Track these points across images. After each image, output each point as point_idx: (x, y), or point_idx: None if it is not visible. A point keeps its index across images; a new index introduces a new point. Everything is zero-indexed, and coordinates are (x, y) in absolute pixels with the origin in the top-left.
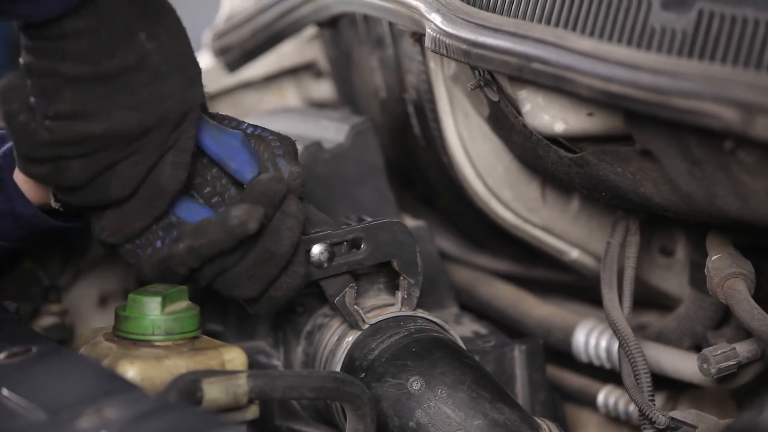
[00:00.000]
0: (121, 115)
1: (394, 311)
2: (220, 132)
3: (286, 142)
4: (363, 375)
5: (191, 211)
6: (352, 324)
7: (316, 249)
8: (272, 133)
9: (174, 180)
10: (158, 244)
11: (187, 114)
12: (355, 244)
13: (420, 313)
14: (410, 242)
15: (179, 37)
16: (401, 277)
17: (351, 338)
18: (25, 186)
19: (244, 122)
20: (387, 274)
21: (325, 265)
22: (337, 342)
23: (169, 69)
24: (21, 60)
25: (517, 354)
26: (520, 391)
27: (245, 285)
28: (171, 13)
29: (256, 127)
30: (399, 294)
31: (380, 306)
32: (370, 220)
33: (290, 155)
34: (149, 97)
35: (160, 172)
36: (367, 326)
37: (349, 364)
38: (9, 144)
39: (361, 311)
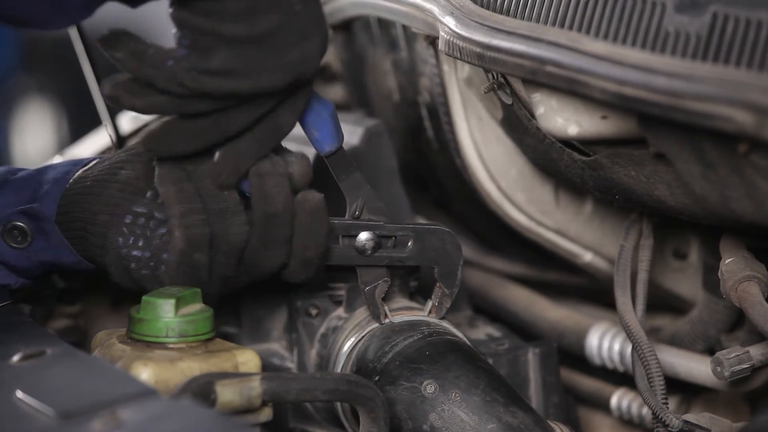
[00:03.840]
0: (269, 75)
1: (420, 315)
2: (315, 98)
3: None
4: (377, 378)
5: None
6: (374, 315)
7: (363, 236)
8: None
9: (289, 123)
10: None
11: (315, 74)
12: (401, 242)
13: (433, 318)
14: (456, 254)
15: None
16: (437, 285)
17: (355, 338)
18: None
19: None
20: (401, 277)
21: (368, 253)
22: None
23: (312, 30)
24: (170, 11)
25: (531, 357)
26: (534, 394)
27: (268, 255)
28: None
29: None
30: (430, 301)
31: (397, 309)
32: (423, 223)
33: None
34: (295, 58)
35: (278, 115)
36: (387, 321)
37: (363, 367)
38: (46, 188)
39: (387, 308)
